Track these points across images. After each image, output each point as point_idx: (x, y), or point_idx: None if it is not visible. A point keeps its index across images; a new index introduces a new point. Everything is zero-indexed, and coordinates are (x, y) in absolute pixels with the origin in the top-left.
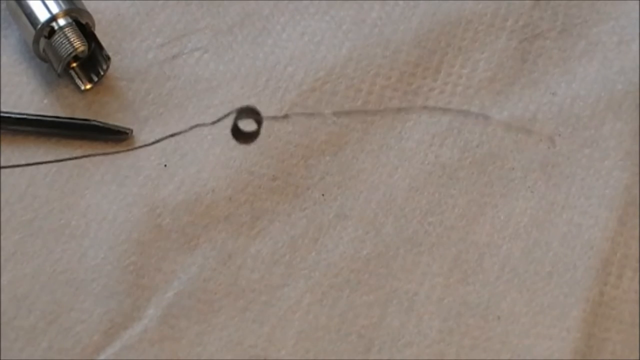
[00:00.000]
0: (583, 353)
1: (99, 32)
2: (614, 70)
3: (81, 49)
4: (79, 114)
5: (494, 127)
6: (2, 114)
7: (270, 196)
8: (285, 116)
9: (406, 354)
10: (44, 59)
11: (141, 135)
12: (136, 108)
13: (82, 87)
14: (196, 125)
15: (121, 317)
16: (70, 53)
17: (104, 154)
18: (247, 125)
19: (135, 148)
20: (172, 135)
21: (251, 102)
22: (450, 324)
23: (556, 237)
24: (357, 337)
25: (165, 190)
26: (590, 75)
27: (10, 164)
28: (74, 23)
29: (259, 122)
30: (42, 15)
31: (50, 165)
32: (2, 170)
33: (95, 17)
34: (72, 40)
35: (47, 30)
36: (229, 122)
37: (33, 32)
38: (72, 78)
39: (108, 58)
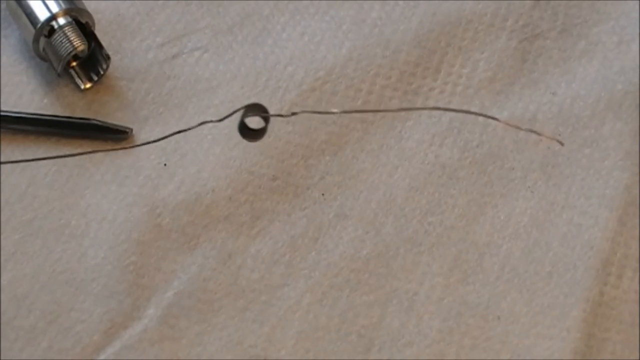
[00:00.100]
0: (583, 353)
1: (99, 32)
2: (614, 70)
3: (81, 48)
4: (79, 113)
5: (494, 127)
6: (2, 113)
7: (270, 196)
8: (293, 113)
9: (406, 354)
10: (44, 59)
11: (141, 135)
12: (136, 107)
13: (82, 87)
14: (204, 122)
15: (121, 317)
16: (70, 52)
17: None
18: (254, 122)
19: (140, 145)
20: (179, 132)
21: (251, 101)
22: (450, 324)
23: (556, 237)
24: (357, 337)
25: (165, 190)
26: (590, 75)
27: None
28: (73, 22)
29: (266, 119)
30: (42, 15)
31: (50, 165)
32: (2, 169)
33: (95, 16)
34: (72, 39)
35: (47, 30)
36: (235, 120)
37: (33, 31)
38: (72, 77)
39: (108, 57)
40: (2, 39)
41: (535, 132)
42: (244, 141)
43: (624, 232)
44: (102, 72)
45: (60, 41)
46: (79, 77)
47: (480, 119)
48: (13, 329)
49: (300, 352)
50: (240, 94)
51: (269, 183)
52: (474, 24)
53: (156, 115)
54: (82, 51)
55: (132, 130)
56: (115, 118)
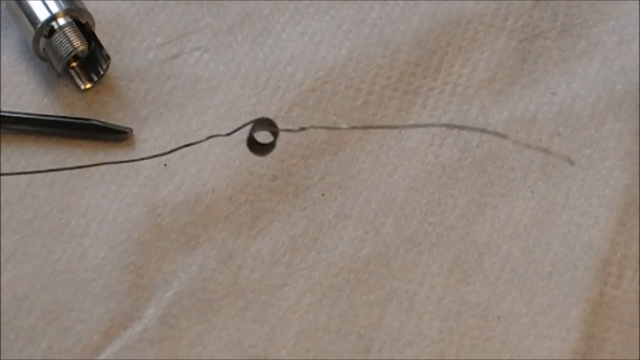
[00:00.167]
0: (583, 353)
1: (99, 32)
2: (614, 70)
3: (81, 48)
4: (79, 114)
5: (494, 127)
6: (2, 114)
7: (270, 196)
8: (302, 128)
9: (406, 354)
10: (44, 59)
11: (141, 135)
12: (136, 108)
13: (82, 87)
14: (212, 136)
15: (121, 317)
16: (70, 52)
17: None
18: (263, 136)
19: (147, 158)
20: (187, 145)
21: (251, 101)
22: (450, 324)
23: (556, 237)
24: (357, 337)
25: (165, 190)
26: (590, 75)
27: (10, 163)
28: (73, 22)
29: (275, 134)
30: (42, 15)
31: (50, 165)
32: (2, 170)
33: (95, 17)
34: (72, 39)
35: (47, 30)
36: (244, 133)
37: (33, 31)
38: (72, 77)
39: (108, 57)
40: (2, 39)
41: (546, 151)
42: (244, 141)
43: (624, 232)
44: (102, 72)
45: (60, 41)
46: (79, 77)
47: (480, 118)
48: (13, 329)
49: (300, 352)
50: (240, 94)
51: (269, 183)
52: (474, 24)
53: (156, 115)
54: (82, 51)
55: (132, 130)
56: (115, 118)
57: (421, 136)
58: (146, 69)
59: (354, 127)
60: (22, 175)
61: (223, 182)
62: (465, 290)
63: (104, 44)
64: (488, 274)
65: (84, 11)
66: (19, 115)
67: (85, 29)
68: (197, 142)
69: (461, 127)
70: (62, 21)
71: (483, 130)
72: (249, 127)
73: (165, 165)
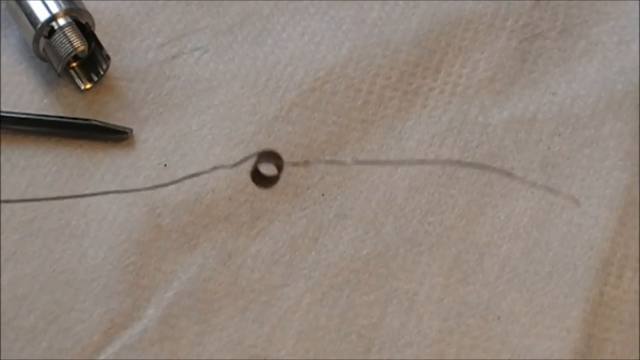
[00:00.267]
0: (583, 353)
1: (99, 32)
2: (614, 70)
3: (81, 48)
4: (79, 114)
5: (494, 127)
6: (2, 114)
7: (270, 196)
8: (306, 162)
9: (406, 354)
10: (44, 59)
11: (141, 135)
12: (136, 108)
13: (82, 87)
14: (216, 167)
15: (121, 317)
16: (70, 53)
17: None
18: (268, 169)
19: (155, 187)
20: (192, 176)
21: (251, 101)
22: (450, 324)
23: (556, 237)
24: (357, 337)
25: (165, 190)
26: (590, 75)
27: (10, 163)
28: (73, 23)
29: (279, 167)
30: (42, 15)
31: (50, 165)
32: (2, 170)
33: (95, 17)
34: (72, 39)
35: (47, 30)
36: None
37: (33, 31)
38: (72, 78)
39: (108, 58)
40: (2, 39)
41: (553, 190)
42: (244, 141)
43: (624, 232)
44: (102, 73)
45: (60, 42)
46: (79, 77)
47: (480, 118)
48: (13, 329)
49: (300, 352)
50: (240, 94)
51: None
52: (474, 24)
53: (156, 115)
54: (82, 52)
55: (132, 130)
56: (115, 118)
57: (421, 136)
58: (146, 69)
59: (358, 162)
60: (22, 175)
61: (223, 182)
62: (465, 290)
63: (104, 44)
64: (488, 274)
65: (84, 11)
66: (19, 115)
67: (85, 29)
68: (201, 173)
69: (463, 164)
70: (62, 21)
71: (488, 168)
72: (254, 158)
73: (165, 165)
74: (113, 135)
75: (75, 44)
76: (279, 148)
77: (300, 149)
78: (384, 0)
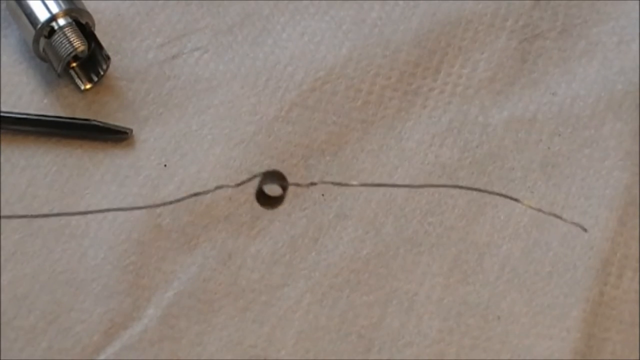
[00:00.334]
0: (583, 353)
1: (99, 32)
2: (614, 70)
3: (81, 48)
4: (79, 114)
5: (494, 127)
6: (2, 114)
7: None
8: (312, 183)
9: (406, 354)
10: (44, 59)
11: (141, 135)
12: (136, 108)
13: (82, 87)
14: (220, 187)
15: (121, 317)
16: (70, 53)
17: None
18: (272, 189)
19: (162, 204)
20: (195, 195)
21: (251, 101)
22: (450, 324)
23: (556, 237)
24: (357, 337)
25: (165, 190)
26: (590, 75)
27: (10, 163)
28: (73, 23)
29: (284, 187)
30: (42, 15)
31: (50, 165)
32: (2, 170)
33: (95, 17)
34: (72, 40)
35: (47, 30)
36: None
37: (33, 31)
38: (72, 78)
39: (108, 58)
40: (2, 39)
41: (559, 217)
42: (244, 141)
43: (624, 232)
44: (102, 73)
45: (60, 42)
46: (79, 77)
47: (480, 118)
48: (13, 329)
49: (300, 352)
50: (240, 94)
51: None
52: (474, 24)
53: (156, 115)
54: (82, 52)
55: (132, 130)
56: (115, 118)
57: (421, 136)
58: (146, 69)
59: (363, 185)
60: (22, 175)
61: (223, 182)
62: (465, 290)
63: (104, 44)
64: (488, 274)
65: (84, 11)
66: (19, 115)
67: (85, 29)
68: (205, 192)
69: (469, 188)
70: (62, 21)
71: (496, 194)
72: (258, 179)
73: (165, 165)
74: (113, 135)
75: (75, 44)
76: (279, 148)
77: (300, 148)
78: (384, 0)
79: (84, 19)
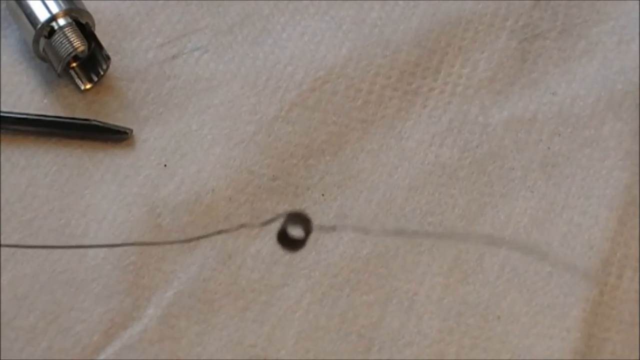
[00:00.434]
0: (583, 353)
1: (99, 32)
2: (614, 70)
3: (81, 48)
4: (79, 114)
5: (494, 127)
6: (2, 114)
7: (270, 196)
8: (333, 227)
9: (406, 354)
10: (44, 59)
11: (141, 135)
12: (136, 108)
13: (82, 87)
14: (243, 225)
15: (121, 317)
16: (70, 53)
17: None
18: (295, 231)
19: (168, 242)
20: (219, 233)
21: (251, 101)
22: (450, 324)
23: (556, 237)
24: (357, 337)
25: (165, 190)
26: (590, 75)
27: (10, 163)
28: (73, 23)
29: (307, 231)
30: (42, 15)
31: (50, 165)
32: (2, 170)
33: (95, 17)
34: (72, 40)
35: (47, 30)
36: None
37: (33, 32)
38: (72, 78)
39: (108, 58)
40: (2, 39)
41: (564, 262)
42: (244, 141)
43: (624, 232)
44: (102, 73)
45: (60, 42)
46: (79, 77)
47: (480, 118)
48: (13, 329)
49: (300, 352)
50: (240, 94)
51: (269, 183)
52: (474, 24)
53: (156, 115)
54: (82, 52)
55: (132, 130)
56: (115, 118)
57: (421, 136)
58: (146, 69)
59: (386, 233)
60: (22, 175)
61: (223, 182)
62: (465, 290)
63: (104, 44)
64: (488, 274)
65: (84, 11)
66: (19, 115)
67: (85, 29)
68: (225, 231)
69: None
70: (62, 21)
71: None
72: (282, 219)
73: (165, 165)
74: (113, 135)
75: (75, 44)
76: (279, 148)
77: (300, 148)
78: (384, 0)
79: (84, 19)
